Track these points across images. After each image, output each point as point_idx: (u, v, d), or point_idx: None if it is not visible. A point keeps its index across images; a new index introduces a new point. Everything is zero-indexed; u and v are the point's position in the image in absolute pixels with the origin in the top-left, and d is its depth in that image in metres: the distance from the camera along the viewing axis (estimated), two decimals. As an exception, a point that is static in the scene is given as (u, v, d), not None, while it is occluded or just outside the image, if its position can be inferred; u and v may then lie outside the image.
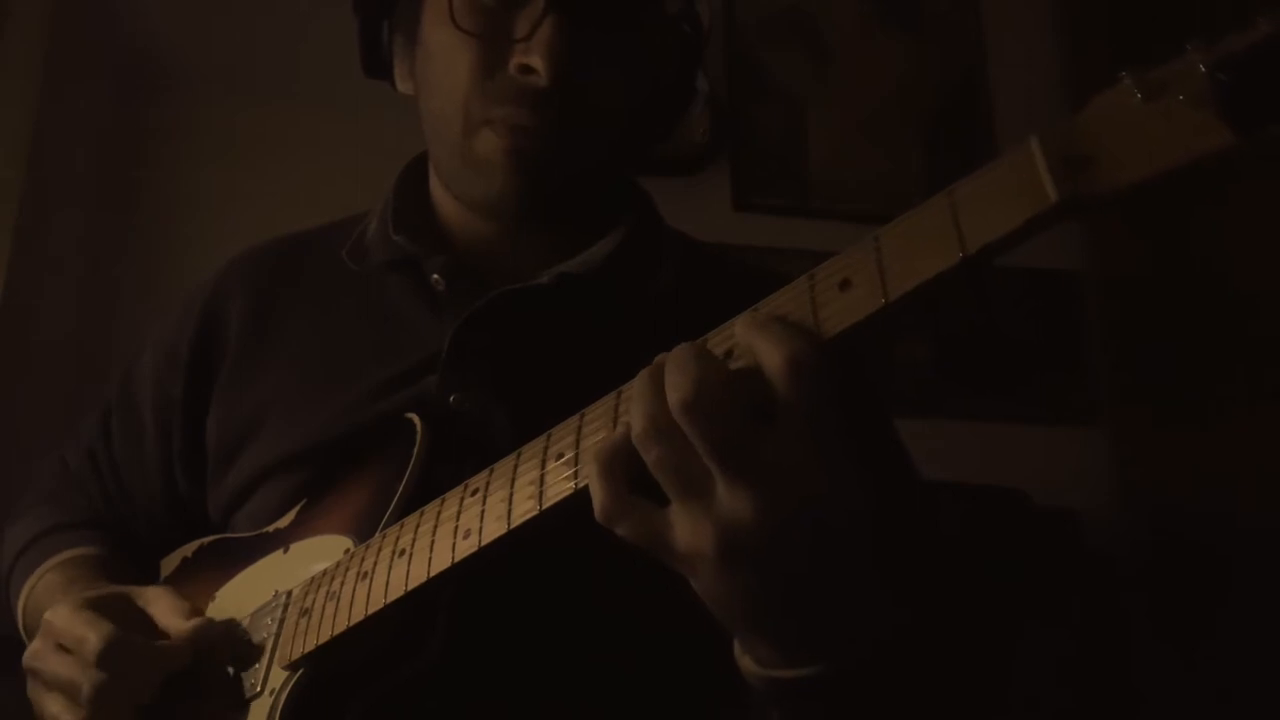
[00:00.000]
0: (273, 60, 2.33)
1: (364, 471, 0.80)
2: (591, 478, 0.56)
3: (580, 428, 0.60)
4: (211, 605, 0.84)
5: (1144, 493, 2.23)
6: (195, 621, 0.78)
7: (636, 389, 0.55)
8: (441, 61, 0.82)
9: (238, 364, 0.92)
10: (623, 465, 0.55)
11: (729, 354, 0.54)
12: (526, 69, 0.77)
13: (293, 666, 0.73)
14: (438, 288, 0.86)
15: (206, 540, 0.91)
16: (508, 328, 0.83)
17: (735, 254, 1.01)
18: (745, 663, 0.59)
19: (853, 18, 2.55)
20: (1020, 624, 1.86)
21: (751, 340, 0.53)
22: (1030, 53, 2.57)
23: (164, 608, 0.80)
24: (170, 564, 0.92)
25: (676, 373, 0.52)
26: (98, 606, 0.78)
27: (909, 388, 2.26)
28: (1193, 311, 2.09)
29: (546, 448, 0.62)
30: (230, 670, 0.78)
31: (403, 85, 0.89)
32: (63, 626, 0.77)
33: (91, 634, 0.74)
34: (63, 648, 0.76)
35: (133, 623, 0.78)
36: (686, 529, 0.53)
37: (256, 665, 0.76)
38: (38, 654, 0.78)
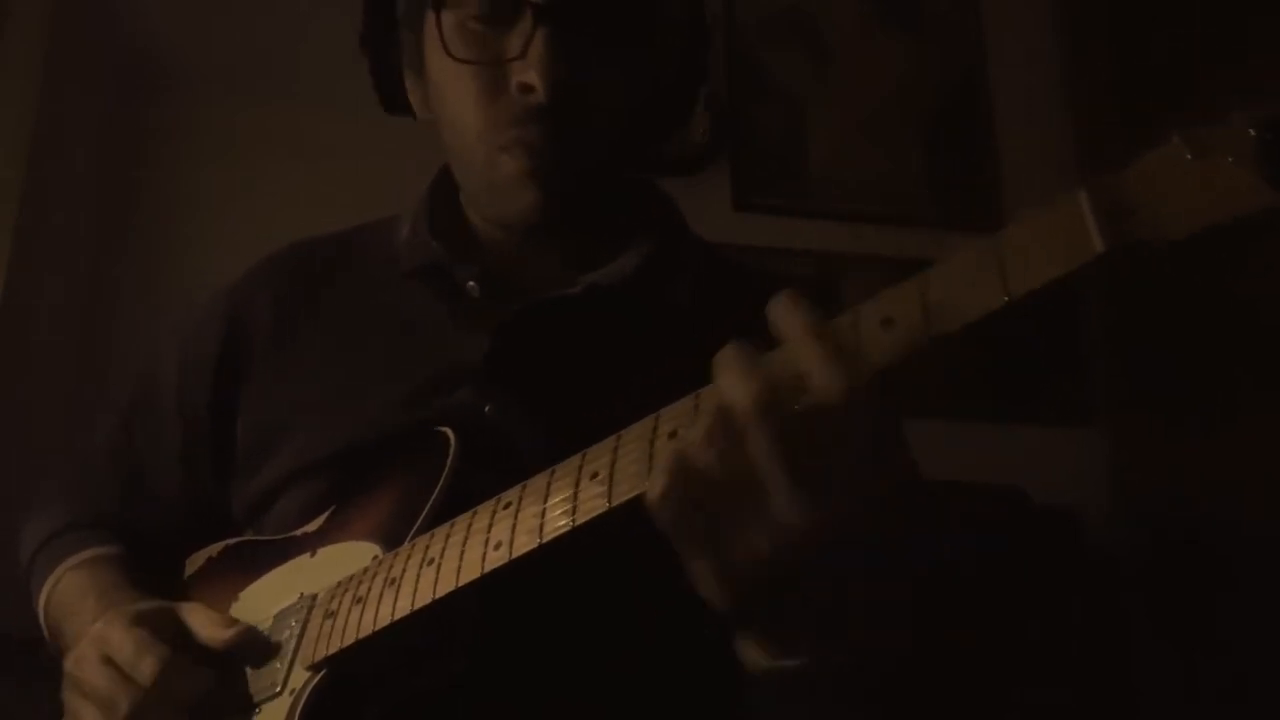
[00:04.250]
0: (273, 60, 2.33)
1: (394, 480, 0.80)
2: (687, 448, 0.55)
3: (616, 448, 0.62)
4: (235, 605, 0.85)
5: (1143, 493, 2.23)
6: (236, 628, 0.79)
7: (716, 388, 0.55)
8: (447, 93, 0.84)
9: (267, 365, 0.93)
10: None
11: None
12: (526, 87, 0.78)
13: (315, 667, 0.74)
14: (472, 295, 0.87)
15: (232, 541, 0.91)
16: (539, 337, 0.84)
17: (735, 254, 1.01)
18: (752, 654, 0.60)
19: (853, 18, 2.56)
20: (1014, 624, 1.86)
21: (809, 365, 0.54)
22: (1030, 53, 2.58)
23: (201, 620, 0.81)
24: (195, 562, 0.93)
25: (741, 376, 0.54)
26: (149, 624, 0.79)
27: (909, 388, 2.25)
28: (1192, 313, 2.09)
29: (581, 467, 0.63)
30: (248, 670, 0.78)
31: (422, 114, 0.90)
32: (116, 643, 0.78)
33: (148, 657, 0.76)
34: (109, 660, 0.77)
35: (178, 639, 0.79)
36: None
37: (276, 665, 0.76)
38: (82, 661, 0.79)
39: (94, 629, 0.80)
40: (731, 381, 0.54)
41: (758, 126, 2.45)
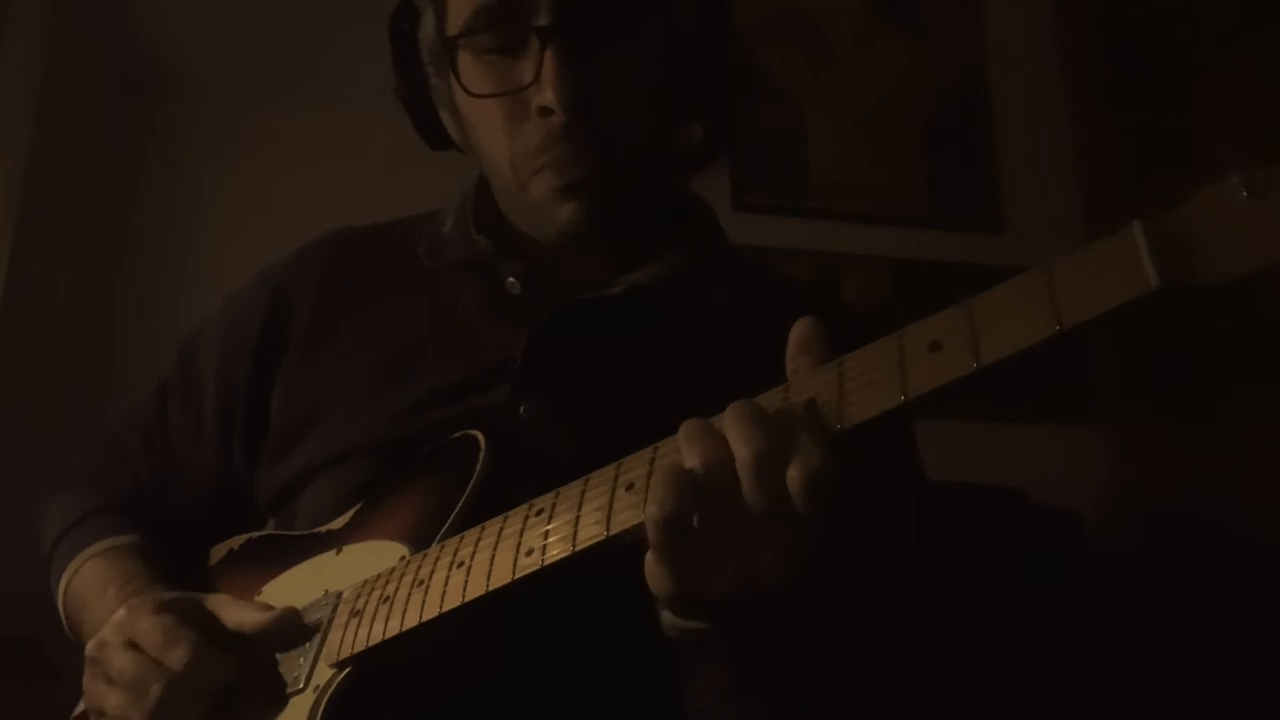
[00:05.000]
0: (278, 64, 2.34)
1: (424, 481, 0.80)
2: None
3: (653, 460, 0.62)
4: (258, 600, 0.85)
5: (1144, 493, 2.23)
6: (272, 612, 0.79)
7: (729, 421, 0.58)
8: (475, 127, 0.85)
9: (305, 348, 0.93)
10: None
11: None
12: (545, 110, 0.79)
13: (340, 665, 0.74)
14: (512, 290, 0.87)
15: (254, 535, 0.91)
16: (577, 337, 0.84)
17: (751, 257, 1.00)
18: (664, 615, 0.64)
19: (853, 18, 2.56)
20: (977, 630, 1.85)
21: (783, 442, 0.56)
22: (1030, 53, 2.58)
23: (234, 609, 0.81)
24: (217, 554, 0.93)
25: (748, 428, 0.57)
26: (176, 611, 0.79)
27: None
28: (1193, 312, 2.09)
29: (616, 476, 0.63)
30: (270, 665, 0.78)
31: (465, 147, 0.91)
32: (144, 628, 0.77)
33: (179, 642, 0.76)
34: (133, 645, 0.77)
35: (206, 628, 0.79)
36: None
37: (300, 661, 0.76)
38: (105, 645, 0.79)
39: (118, 614, 0.80)
40: (737, 434, 0.56)
41: (758, 126, 2.45)
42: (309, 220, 1.05)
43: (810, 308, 0.61)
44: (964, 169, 2.50)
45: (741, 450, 0.56)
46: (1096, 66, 2.47)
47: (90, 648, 0.80)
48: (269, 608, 0.80)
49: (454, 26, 0.83)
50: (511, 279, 0.87)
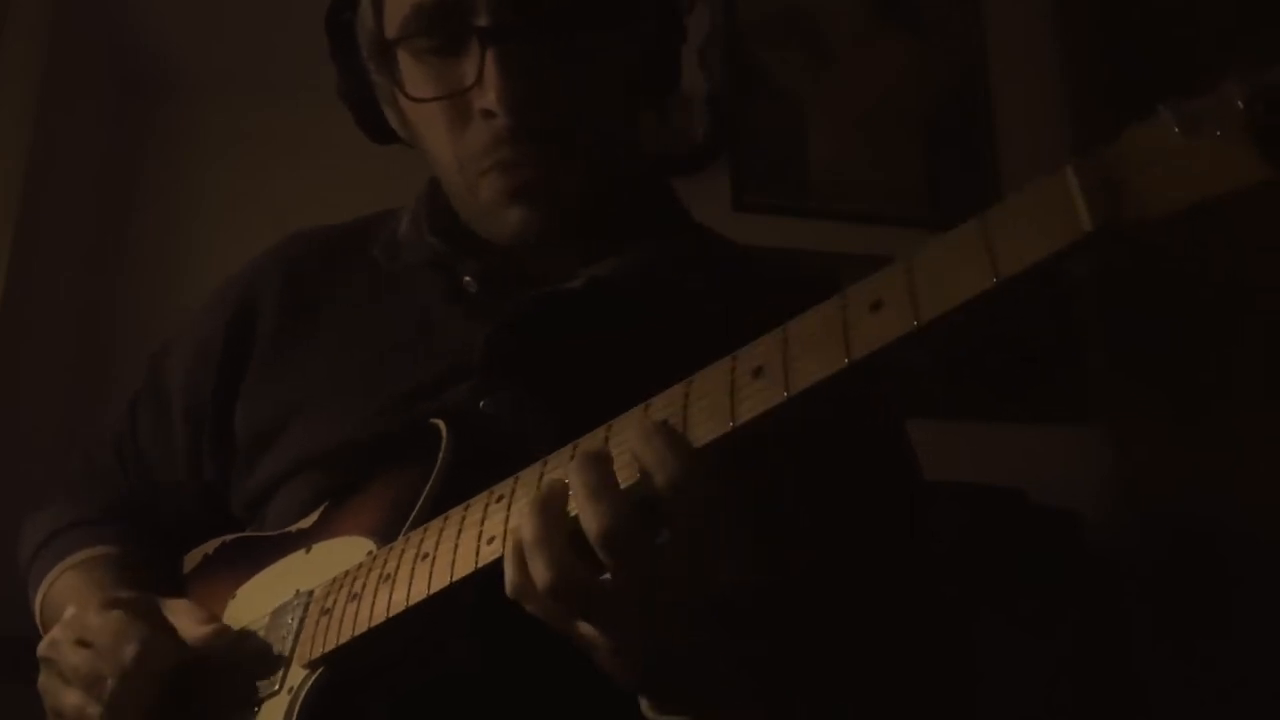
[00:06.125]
0: (278, 64, 2.33)
1: (390, 475, 0.79)
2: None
3: (607, 439, 0.61)
4: (232, 603, 0.85)
5: (1144, 492, 2.23)
6: (210, 627, 0.79)
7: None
8: (419, 128, 0.84)
9: (270, 356, 0.92)
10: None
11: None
12: (488, 113, 0.77)
13: (312, 665, 0.74)
14: (469, 290, 0.86)
15: (228, 538, 0.91)
16: (540, 332, 0.83)
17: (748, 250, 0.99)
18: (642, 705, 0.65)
19: (853, 18, 2.56)
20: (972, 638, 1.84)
21: (641, 455, 0.57)
22: (1030, 53, 2.58)
23: (182, 617, 0.80)
24: (192, 560, 0.92)
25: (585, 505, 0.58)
26: (127, 608, 0.79)
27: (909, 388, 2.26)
28: (1192, 309, 2.09)
29: (573, 457, 0.62)
30: (246, 668, 0.78)
31: (411, 142, 0.89)
32: (94, 625, 0.77)
33: (128, 638, 0.75)
34: (83, 643, 0.77)
35: (159, 628, 0.79)
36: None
37: (275, 663, 0.76)
38: (56, 645, 0.78)
39: (67, 613, 0.79)
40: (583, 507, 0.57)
41: (758, 126, 2.45)
42: (309, 220, 1.04)
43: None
44: (964, 169, 2.50)
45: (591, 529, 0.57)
46: (1096, 66, 2.47)
47: (42, 648, 0.80)
48: (214, 621, 0.80)
49: (391, 27, 0.81)
50: (468, 278, 0.86)
